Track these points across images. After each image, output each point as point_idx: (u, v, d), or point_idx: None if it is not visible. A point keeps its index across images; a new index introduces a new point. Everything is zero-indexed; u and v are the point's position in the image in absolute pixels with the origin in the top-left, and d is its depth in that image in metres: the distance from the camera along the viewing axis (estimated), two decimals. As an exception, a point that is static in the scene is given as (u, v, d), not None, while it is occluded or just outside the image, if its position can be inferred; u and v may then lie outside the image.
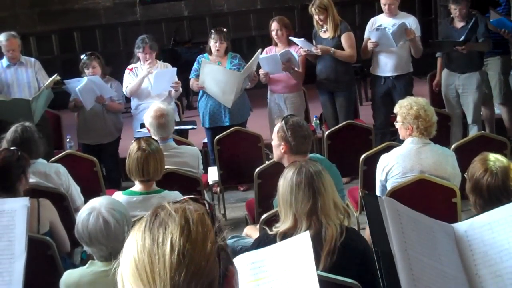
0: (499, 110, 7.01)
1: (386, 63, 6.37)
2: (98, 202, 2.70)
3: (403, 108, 4.00)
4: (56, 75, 6.11)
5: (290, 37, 6.27)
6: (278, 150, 3.78)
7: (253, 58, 6.09)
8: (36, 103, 5.92)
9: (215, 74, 6.08)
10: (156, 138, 4.42)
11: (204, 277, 1.14)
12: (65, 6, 10.05)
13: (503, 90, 6.77)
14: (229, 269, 1.21)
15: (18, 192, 3.66)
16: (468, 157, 3.08)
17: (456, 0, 6.16)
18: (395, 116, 4.10)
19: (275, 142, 3.80)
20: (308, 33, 6.58)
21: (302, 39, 6.25)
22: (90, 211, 2.65)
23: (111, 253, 2.60)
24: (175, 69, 6.21)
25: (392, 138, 4.34)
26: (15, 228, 3.10)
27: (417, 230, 2.09)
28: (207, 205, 1.26)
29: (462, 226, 2.23)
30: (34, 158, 4.18)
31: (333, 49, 6.18)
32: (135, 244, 1.19)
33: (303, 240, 2.48)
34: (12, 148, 3.90)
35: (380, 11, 6.47)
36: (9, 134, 4.27)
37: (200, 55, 6.41)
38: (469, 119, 6.44)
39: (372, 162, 4.32)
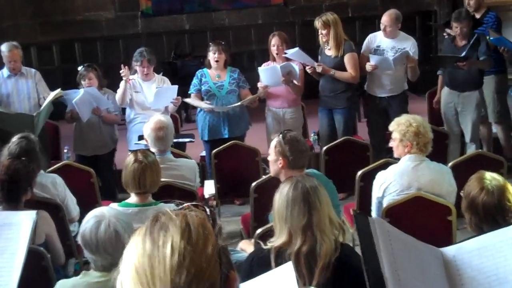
0: (495, 129, 7.03)
1: (382, 84, 6.40)
2: (106, 211, 2.70)
3: (401, 125, 4.00)
4: (59, 90, 6.12)
5: (285, 51, 6.27)
6: (275, 165, 3.78)
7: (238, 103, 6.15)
8: (39, 117, 5.93)
9: None
10: (153, 150, 4.42)
11: (205, 279, 1.14)
12: (67, 17, 10.08)
13: (497, 108, 6.79)
14: (230, 273, 1.21)
15: (20, 203, 3.66)
16: (465, 175, 3.09)
17: (458, 19, 6.19)
18: (391, 133, 4.10)
19: (272, 157, 3.79)
20: (308, 48, 6.59)
21: (297, 48, 6.26)
22: (99, 219, 2.64)
23: (112, 264, 2.59)
24: (176, 87, 6.20)
25: (388, 156, 4.35)
26: (20, 241, 3.10)
27: (407, 252, 2.09)
28: (207, 211, 1.27)
29: (450, 250, 2.22)
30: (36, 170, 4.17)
31: (333, 70, 6.18)
32: (135, 249, 1.19)
33: (287, 271, 2.46)
34: (23, 158, 3.90)
35: (380, 28, 6.49)
36: (12, 145, 4.27)
37: (200, 70, 6.43)
38: (467, 138, 6.44)
39: (368, 178, 4.32)
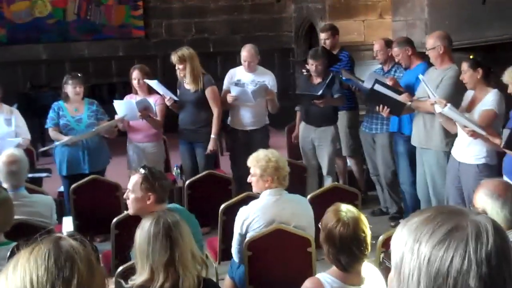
0: (349, 162, 7.37)
1: (243, 117, 6.54)
2: None
3: (261, 161, 4.06)
4: None
5: (145, 80, 6.25)
6: (141, 202, 3.67)
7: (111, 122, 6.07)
8: None
9: None
10: (6, 185, 4.18)
11: None
12: None
13: (349, 143, 7.14)
14: None
15: None
16: (323, 207, 3.16)
17: (314, 57, 6.46)
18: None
19: (136, 194, 3.69)
20: (170, 82, 6.59)
21: (155, 81, 6.27)
22: None
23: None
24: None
25: (251, 189, 4.41)
26: None
27: None
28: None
29: None
30: None
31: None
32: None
33: None
34: None
35: (241, 63, 6.64)
36: None
37: (56, 103, 6.21)
38: (324, 171, 6.68)
39: (231, 212, 4.34)
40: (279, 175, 4.04)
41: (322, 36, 7.18)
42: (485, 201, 2.99)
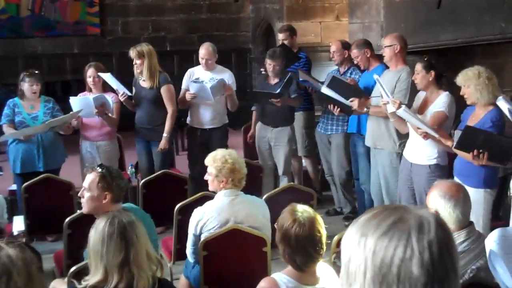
0: (305, 162, 7.42)
1: (203, 115, 6.52)
2: None
3: (217, 161, 4.04)
4: None
5: (99, 73, 6.18)
6: (97, 201, 3.62)
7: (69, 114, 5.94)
8: None
9: None
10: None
11: None
12: None
13: (305, 143, 7.19)
14: None
15: None
16: (279, 207, 3.18)
17: (272, 56, 6.49)
18: None
19: (93, 193, 3.63)
20: (125, 80, 6.51)
21: (109, 74, 6.21)
22: None
23: None
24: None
25: (207, 188, 4.39)
26: None
27: None
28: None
29: None
30: None
31: None
32: None
33: None
34: None
35: (198, 63, 6.62)
36: None
37: (11, 100, 6.08)
38: (280, 171, 6.72)
39: (187, 211, 4.32)
40: (234, 177, 4.03)
41: (280, 36, 7.22)
42: (438, 201, 3.04)
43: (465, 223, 3.04)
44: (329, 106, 5.89)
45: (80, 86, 6.69)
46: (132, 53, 6.20)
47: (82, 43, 10.43)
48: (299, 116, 7.03)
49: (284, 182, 6.47)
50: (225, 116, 6.65)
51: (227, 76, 6.52)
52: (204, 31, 10.88)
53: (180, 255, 4.56)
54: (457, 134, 4.27)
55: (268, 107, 6.52)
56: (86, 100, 6.06)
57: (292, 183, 6.34)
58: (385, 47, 5.58)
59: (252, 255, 4.02)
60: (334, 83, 5.90)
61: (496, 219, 4.89)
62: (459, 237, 2.96)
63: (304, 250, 2.86)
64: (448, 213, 3.00)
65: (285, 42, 7.11)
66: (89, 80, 6.22)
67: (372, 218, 1.23)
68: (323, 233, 2.94)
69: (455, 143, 4.45)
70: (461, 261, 2.84)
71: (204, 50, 6.45)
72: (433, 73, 5.07)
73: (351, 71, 6.47)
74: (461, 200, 3.05)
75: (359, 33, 7.74)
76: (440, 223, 1.21)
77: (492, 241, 2.41)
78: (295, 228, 2.88)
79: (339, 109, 5.76)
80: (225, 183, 4.02)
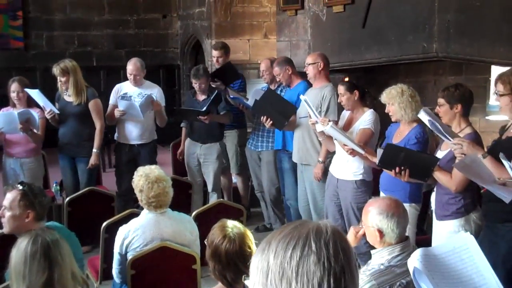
0: (236, 179, 7.42)
1: (131, 131, 6.43)
2: None
3: (142, 179, 3.97)
4: None
5: (26, 89, 6.01)
6: (19, 220, 3.49)
7: None
8: None
9: None
10: None
11: None
12: None
13: (239, 161, 7.21)
14: None
15: None
16: (208, 224, 3.16)
17: (196, 76, 6.50)
18: None
19: (15, 211, 3.50)
20: (50, 96, 6.34)
21: (37, 90, 6.05)
22: None
23: None
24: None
25: (135, 205, 4.31)
26: None
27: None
28: None
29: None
30: None
31: None
32: None
33: None
34: None
35: (126, 78, 6.54)
36: None
37: None
38: (209, 187, 6.69)
39: (114, 229, 4.22)
40: (161, 199, 3.96)
41: (215, 53, 7.17)
42: (380, 220, 3.01)
43: (403, 237, 3.06)
44: (261, 118, 5.92)
45: (3, 101, 6.47)
46: (56, 70, 6.07)
47: (4, 57, 10.11)
48: (233, 134, 7.05)
49: (213, 199, 6.45)
50: (154, 132, 6.58)
51: (156, 92, 6.47)
52: (131, 46, 10.77)
53: (107, 274, 4.45)
54: (379, 152, 4.36)
55: (196, 123, 6.51)
56: (10, 115, 5.86)
57: (221, 199, 6.32)
58: (308, 65, 5.68)
59: (181, 273, 3.98)
60: (270, 95, 5.97)
61: (421, 233, 5.02)
62: (393, 251, 2.99)
63: (234, 266, 2.83)
64: (391, 230, 3.00)
65: (220, 59, 7.06)
66: (13, 95, 6.03)
67: (279, 230, 1.34)
68: (254, 248, 2.93)
69: (377, 160, 4.55)
70: (390, 274, 2.88)
71: (132, 66, 6.38)
72: (357, 92, 5.18)
73: (281, 89, 6.53)
74: (401, 215, 3.04)
75: (287, 51, 7.85)
76: (337, 231, 1.31)
77: (415, 259, 2.46)
78: (225, 244, 2.86)
79: (271, 122, 5.79)
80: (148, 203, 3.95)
